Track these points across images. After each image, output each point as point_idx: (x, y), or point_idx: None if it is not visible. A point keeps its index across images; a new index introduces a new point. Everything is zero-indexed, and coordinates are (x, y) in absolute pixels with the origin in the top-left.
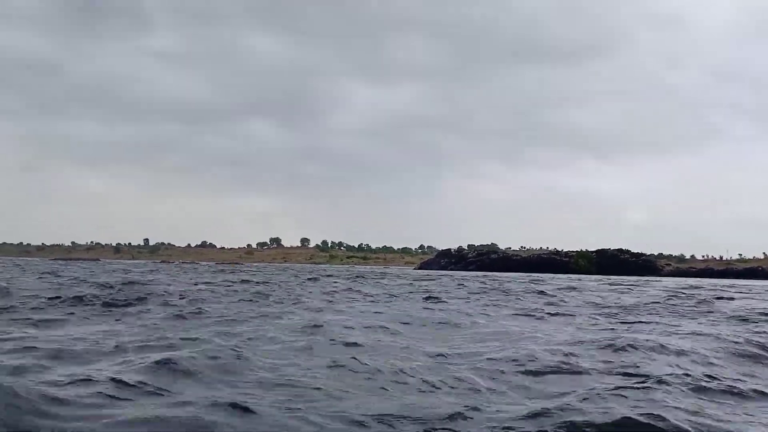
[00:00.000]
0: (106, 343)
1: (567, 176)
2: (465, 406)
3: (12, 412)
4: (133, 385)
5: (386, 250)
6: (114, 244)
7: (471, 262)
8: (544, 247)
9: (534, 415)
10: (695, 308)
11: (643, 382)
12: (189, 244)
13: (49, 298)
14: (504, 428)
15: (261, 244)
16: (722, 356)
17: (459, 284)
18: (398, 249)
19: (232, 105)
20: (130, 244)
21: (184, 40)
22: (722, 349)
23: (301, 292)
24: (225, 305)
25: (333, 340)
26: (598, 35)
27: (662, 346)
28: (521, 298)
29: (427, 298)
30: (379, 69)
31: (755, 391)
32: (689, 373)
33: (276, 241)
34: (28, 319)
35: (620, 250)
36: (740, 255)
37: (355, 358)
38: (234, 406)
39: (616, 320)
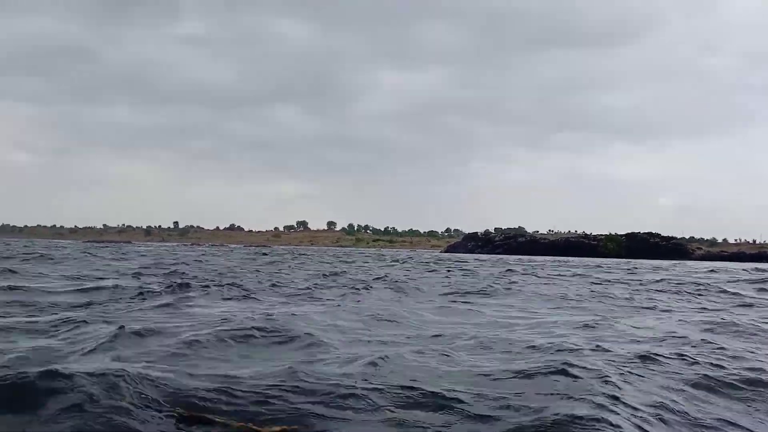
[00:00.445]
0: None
1: (596, 160)
2: None
3: None
4: None
5: (412, 233)
6: (144, 227)
7: (498, 246)
8: (572, 231)
9: None
10: None
11: None
12: (218, 227)
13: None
14: None
15: (288, 227)
16: None
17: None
18: (424, 232)
19: (259, 91)
20: (160, 226)
21: (212, 26)
22: None
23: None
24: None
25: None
26: (627, 19)
27: None
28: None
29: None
30: (406, 54)
31: None
32: None
33: (303, 224)
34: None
35: (650, 234)
36: None
37: None
38: None
39: None
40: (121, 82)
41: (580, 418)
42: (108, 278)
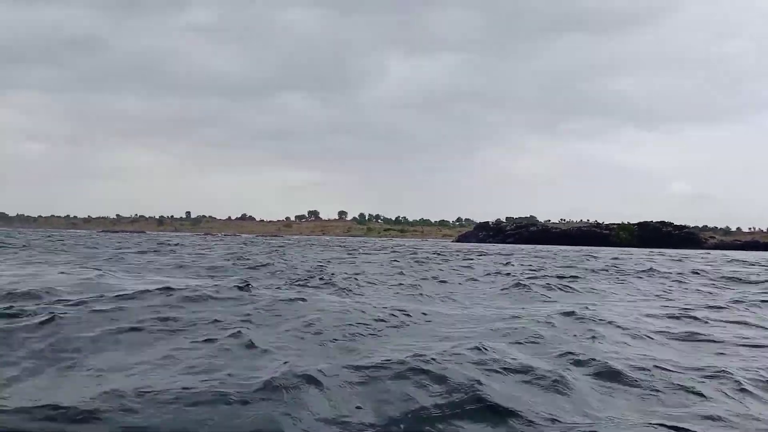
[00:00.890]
0: None
1: (607, 147)
2: None
3: None
4: None
5: (423, 222)
6: (157, 217)
7: (509, 235)
8: (584, 220)
9: None
10: None
11: None
12: (229, 217)
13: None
14: None
15: (299, 217)
16: None
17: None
18: (435, 222)
19: (270, 79)
20: (172, 216)
21: (222, 15)
22: None
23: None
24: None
25: None
26: (641, 3)
27: None
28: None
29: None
30: (417, 41)
31: None
32: None
33: (314, 213)
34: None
35: (662, 223)
36: None
37: None
38: None
39: None
40: (133, 72)
41: None
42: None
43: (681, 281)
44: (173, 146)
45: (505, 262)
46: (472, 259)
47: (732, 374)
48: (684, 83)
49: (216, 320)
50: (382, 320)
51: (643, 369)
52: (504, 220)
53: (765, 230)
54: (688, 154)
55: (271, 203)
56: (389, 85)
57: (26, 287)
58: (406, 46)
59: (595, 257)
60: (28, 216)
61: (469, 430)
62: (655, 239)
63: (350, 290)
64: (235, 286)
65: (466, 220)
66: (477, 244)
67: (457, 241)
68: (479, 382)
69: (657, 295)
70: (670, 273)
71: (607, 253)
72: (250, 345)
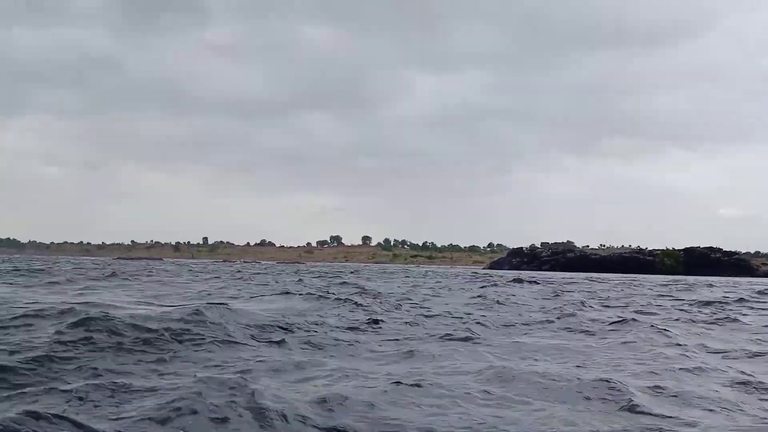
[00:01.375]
0: None
1: (649, 168)
2: None
3: None
4: None
5: (452, 248)
6: (173, 243)
7: (545, 261)
8: (626, 245)
9: None
10: None
11: None
12: (248, 243)
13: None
14: None
15: (321, 243)
16: None
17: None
18: (465, 247)
19: (289, 98)
20: (189, 242)
21: (241, 34)
22: None
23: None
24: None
25: None
26: (679, 16)
27: None
28: None
29: None
30: (440, 57)
31: None
32: None
33: (336, 239)
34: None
35: (710, 249)
36: None
37: None
38: None
39: None
40: (150, 92)
41: None
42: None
43: None
44: (190, 169)
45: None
46: (558, 295)
47: None
48: (727, 99)
49: None
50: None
51: None
52: (539, 246)
53: None
54: (736, 174)
55: (291, 228)
56: (413, 103)
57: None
58: (430, 63)
59: (681, 286)
60: (40, 243)
61: None
62: (703, 266)
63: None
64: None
65: (498, 245)
66: (511, 271)
67: (489, 268)
68: None
69: None
70: None
71: (666, 280)
72: None
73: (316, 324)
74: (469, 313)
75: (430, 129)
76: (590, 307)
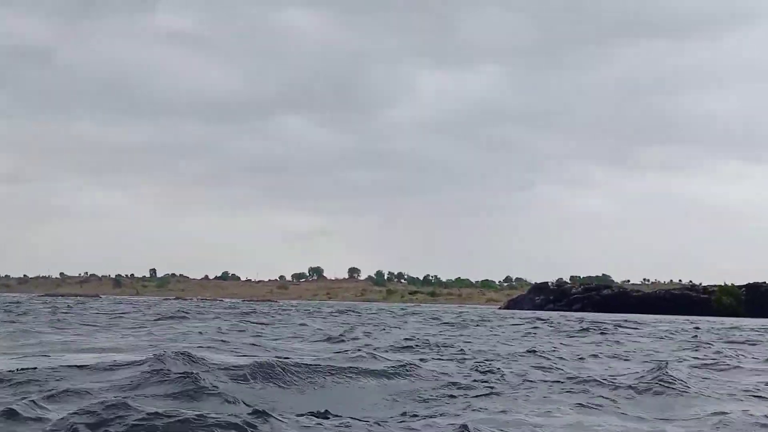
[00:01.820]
0: None
1: (700, 182)
2: None
3: None
4: None
5: (461, 283)
6: (113, 276)
7: (576, 300)
8: (674, 280)
9: None
10: None
11: None
12: (206, 276)
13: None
14: None
15: (297, 276)
16: None
17: None
18: (477, 282)
19: (263, 98)
20: (133, 275)
21: (203, 18)
22: None
23: None
24: None
25: None
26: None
27: None
28: None
29: None
30: (450, 50)
31: None
32: None
33: (316, 271)
34: None
35: None
36: None
37: None
38: None
39: None
40: (91, 90)
41: None
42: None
43: None
44: (135, 184)
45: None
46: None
47: None
48: None
49: None
50: None
51: None
52: (568, 281)
53: None
54: None
55: (260, 258)
56: (416, 104)
57: None
58: (437, 56)
59: None
60: None
61: None
62: None
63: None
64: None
65: (517, 279)
66: (534, 312)
67: (506, 307)
68: None
69: None
70: None
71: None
72: None
73: None
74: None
75: (435, 136)
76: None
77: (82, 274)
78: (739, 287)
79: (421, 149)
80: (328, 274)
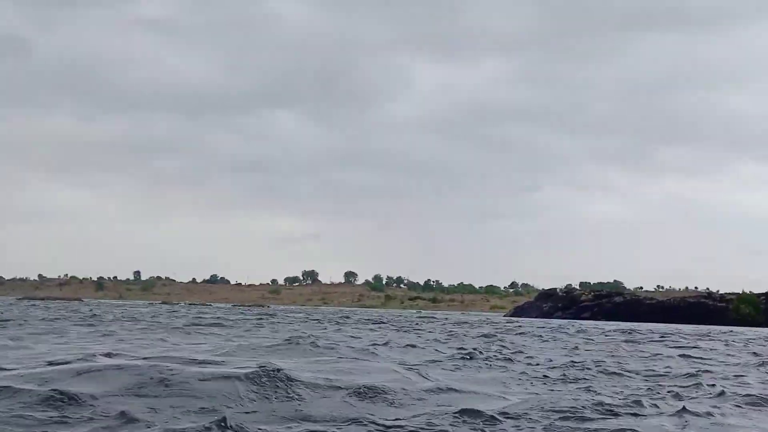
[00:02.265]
0: None
1: (718, 186)
2: None
3: None
4: None
5: (464, 288)
6: (95, 279)
7: (586, 308)
8: (690, 287)
9: None
10: None
11: None
12: (194, 279)
13: None
14: None
15: (290, 280)
16: None
17: None
18: (481, 288)
19: (249, 91)
20: (116, 278)
21: (182, 6)
22: None
23: None
24: None
25: None
26: None
27: None
28: None
29: None
30: (448, 42)
31: None
32: None
33: (310, 275)
34: None
35: None
36: None
37: None
38: None
39: None
40: (64, 82)
41: None
42: None
43: None
44: (117, 183)
45: None
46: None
47: None
48: None
49: None
50: None
51: None
52: (577, 287)
53: None
54: None
55: (251, 261)
56: (414, 100)
57: None
58: (435, 48)
59: None
60: None
61: None
62: None
63: None
64: None
65: (523, 285)
66: (542, 319)
67: (512, 315)
68: None
69: None
70: None
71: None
72: None
73: None
74: None
75: (434, 134)
76: None
77: (62, 276)
78: (758, 295)
79: (419, 148)
80: (323, 277)
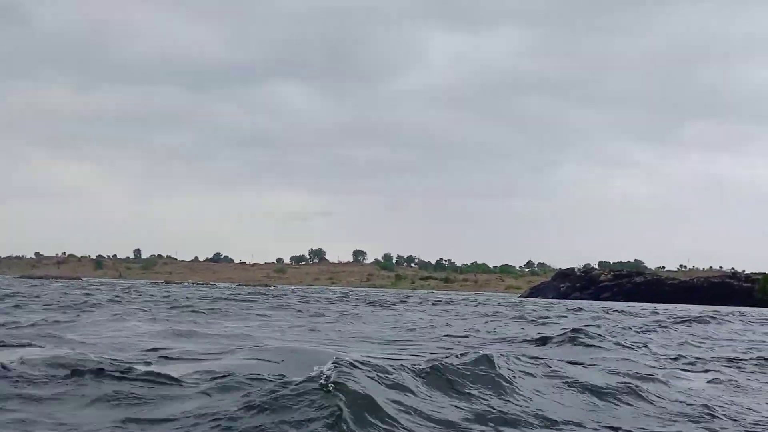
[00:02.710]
0: None
1: (747, 163)
2: None
3: None
4: None
5: (477, 268)
6: (94, 257)
7: (605, 288)
8: (714, 267)
9: None
10: None
11: None
12: (196, 258)
13: None
14: None
15: (296, 259)
16: None
17: None
18: (495, 267)
19: (254, 62)
20: (115, 256)
21: None
22: None
23: None
24: None
25: None
26: None
27: None
28: None
29: None
30: (466, 9)
31: None
32: None
33: (317, 254)
34: None
35: None
36: None
37: None
38: None
39: None
40: (63, 53)
41: None
42: None
43: None
44: (117, 157)
45: None
46: None
47: None
48: None
49: None
50: None
51: None
52: (596, 267)
53: None
54: None
55: (255, 239)
56: (427, 71)
57: None
58: (451, 17)
59: None
60: None
61: None
62: None
63: None
64: None
65: (540, 265)
66: (559, 300)
67: (528, 295)
68: None
69: None
70: None
71: None
72: None
73: None
74: None
75: (448, 108)
76: None
77: (60, 255)
78: None
79: (432, 123)
80: (331, 256)
